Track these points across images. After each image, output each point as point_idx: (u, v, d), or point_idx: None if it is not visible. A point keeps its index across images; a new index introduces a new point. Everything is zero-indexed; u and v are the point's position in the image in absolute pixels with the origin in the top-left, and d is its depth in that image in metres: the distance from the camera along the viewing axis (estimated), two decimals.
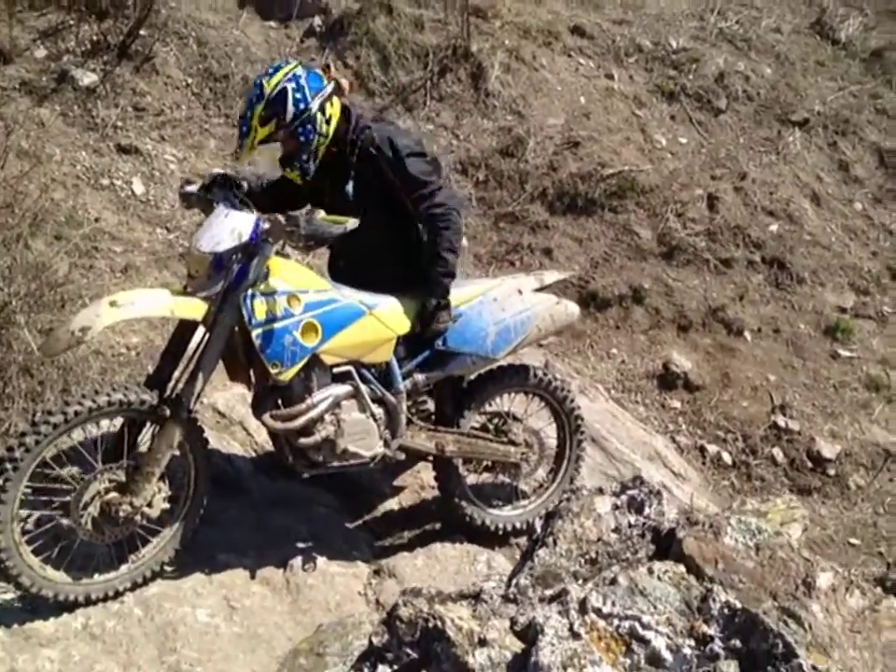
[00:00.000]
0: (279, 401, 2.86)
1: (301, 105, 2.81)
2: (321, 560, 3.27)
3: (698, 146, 6.44)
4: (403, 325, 3.07)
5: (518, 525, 3.48)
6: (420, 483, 3.86)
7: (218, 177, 2.98)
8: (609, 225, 5.69)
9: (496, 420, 3.48)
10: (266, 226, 2.62)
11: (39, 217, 4.25)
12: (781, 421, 5.03)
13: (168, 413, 2.66)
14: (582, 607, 1.20)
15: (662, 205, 5.80)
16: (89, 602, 2.71)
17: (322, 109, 2.88)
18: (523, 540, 3.60)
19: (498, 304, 3.26)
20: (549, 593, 1.38)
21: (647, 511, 1.68)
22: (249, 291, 2.68)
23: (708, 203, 5.89)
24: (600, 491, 1.68)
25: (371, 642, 1.38)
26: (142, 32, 5.80)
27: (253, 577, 3.08)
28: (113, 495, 2.66)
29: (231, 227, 2.65)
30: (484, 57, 6.21)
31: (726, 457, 4.90)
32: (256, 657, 2.74)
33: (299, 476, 3.65)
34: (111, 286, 4.32)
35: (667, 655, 1.17)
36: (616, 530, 1.56)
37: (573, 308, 3.58)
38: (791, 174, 6.41)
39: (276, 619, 2.91)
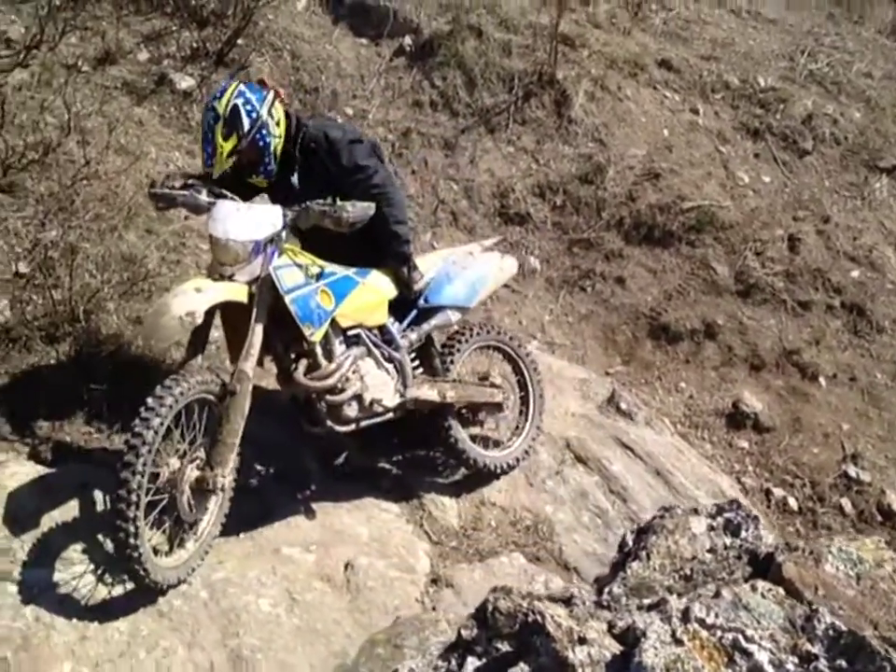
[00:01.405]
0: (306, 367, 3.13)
1: (254, 115, 3.15)
2: (381, 563, 3.30)
3: (781, 185, 6.36)
4: (391, 290, 3.51)
5: (511, 464, 3.87)
6: (481, 498, 3.88)
7: (186, 178, 3.28)
8: (685, 258, 5.64)
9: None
10: (293, 214, 3.02)
11: (133, 211, 4.40)
12: (852, 471, 4.89)
13: (238, 387, 2.83)
14: (685, 616, 1.19)
15: (741, 243, 5.73)
16: (180, 584, 2.79)
17: (270, 114, 3.22)
18: (584, 566, 3.58)
19: (459, 265, 3.78)
20: (646, 602, 1.38)
21: (743, 534, 1.67)
22: (273, 266, 2.99)
23: (789, 244, 5.79)
24: (695, 511, 1.68)
25: (459, 635, 1.39)
26: (239, 41, 6.00)
27: (315, 573, 3.12)
28: (202, 472, 2.79)
29: (260, 217, 2.98)
30: (569, 84, 6.25)
31: (792, 503, 4.78)
32: (314, 651, 2.77)
33: (364, 481, 3.73)
34: None
35: (770, 669, 1.16)
36: (711, 550, 1.55)
37: (514, 261, 4.18)
38: (875, 220, 6.28)
39: (335, 615, 2.95)
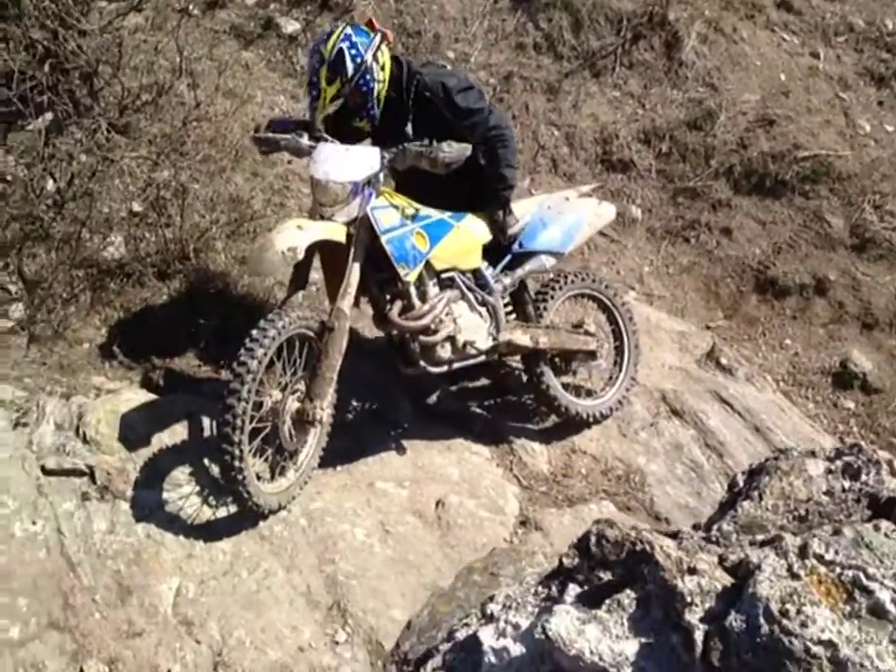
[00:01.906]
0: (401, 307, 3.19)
1: (358, 60, 3.13)
2: (471, 503, 3.35)
3: None
4: (485, 234, 3.51)
5: (604, 413, 3.86)
6: (572, 446, 3.87)
7: (289, 123, 3.34)
8: (797, 210, 5.38)
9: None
10: (390, 156, 3.04)
11: (240, 153, 4.51)
12: None
13: (336, 324, 2.91)
14: (802, 552, 1.16)
15: (858, 195, 5.41)
16: (280, 510, 2.93)
17: (375, 58, 3.19)
18: (676, 518, 3.54)
19: (555, 210, 3.75)
20: (760, 538, 1.35)
21: (864, 477, 1.61)
22: (370, 207, 3.04)
23: None
24: (812, 454, 1.62)
25: (560, 563, 1.40)
26: None
27: (407, 508, 3.20)
28: (302, 404, 2.90)
29: (358, 159, 3.02)
30: (681, 26, 5.98)
31: None
32: (406, 581, 2.86)
33: (456, 423, 3.78)
34: None
35: (892, 608, 1.11)
36: (828, 493, 1.50)
37: (611, 207, 4.06)
38: None
39: (426, 549, 3.03)
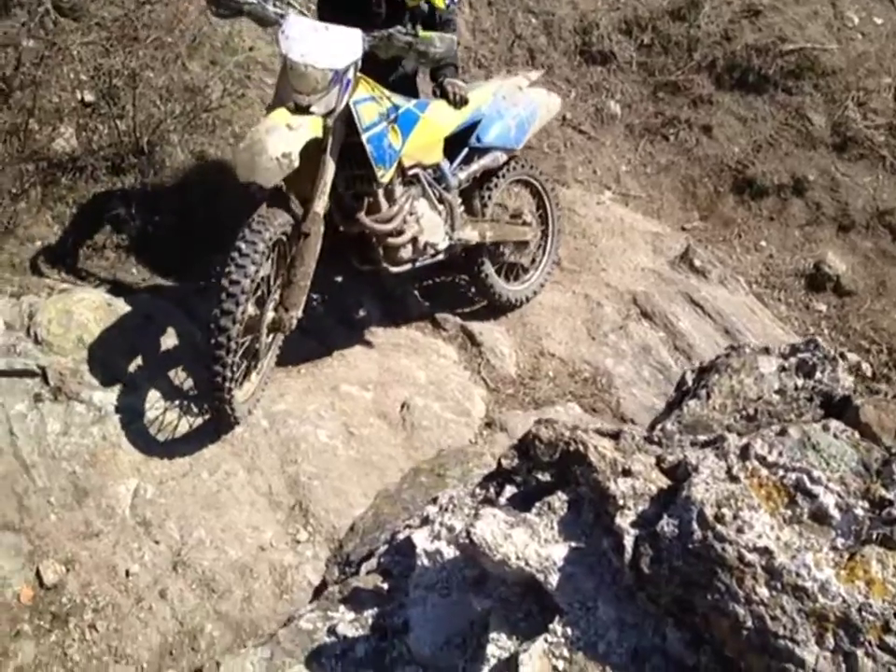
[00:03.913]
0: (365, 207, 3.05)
1: None
2: (437, 406, 3.33)
3: (895, 28, 5.73)
4: (448, 124, 3.40)
5: (528, 297, 3.92)
6: (540, 349, 3.85)
7: None
8: (779, 107, 5.20)
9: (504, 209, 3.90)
10: (372, 41, 2.77)
11: (197, 39, 4.26)
12: None
13: (311, 229, 2.77)
14: (744, 453, 1.12)
15: (842, 91, 5.23)
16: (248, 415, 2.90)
17: None
18: (642, 419, 3.55)
19: (509, 101, 3.67)
20: (702, 438, 1.31)
21: (818, 375, 1.56)
22: (352, 99, 2.80)
23: None
24: (766, 351, 1.56)
25: (499, 464, 1.37)
26: None
27: (372, 410, 3.17)
28: (276, 313, 2.80)
29: (339, 42, 2.72)
30: None
31: (866, 368, 4.58)
32: (368, 481, 2.86)
33: (423, 326, 3.73)
34: (260, 116, 4.33)
35: (835, 513, 1.08)
36: (780, 392, 1.45)
37: (558, 99, 4.09)
38: None
39: (390, 451, 3.02)
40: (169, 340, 3.06)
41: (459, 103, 3.42)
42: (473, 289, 3.87)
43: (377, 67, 3.02)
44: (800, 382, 1.53)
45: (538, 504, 1.22)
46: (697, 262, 4.43)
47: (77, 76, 3.89)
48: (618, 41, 5.31)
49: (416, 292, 3.86)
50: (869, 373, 4.83)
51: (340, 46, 2.72)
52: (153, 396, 2.87)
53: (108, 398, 2.80)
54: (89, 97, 3.85)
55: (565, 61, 5.21)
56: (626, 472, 1.16)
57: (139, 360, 2.96)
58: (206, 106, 3.96)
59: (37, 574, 2.41)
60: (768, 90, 5.24)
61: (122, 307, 3.09)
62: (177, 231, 3.53)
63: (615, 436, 1.28)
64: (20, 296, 3.04)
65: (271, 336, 2.90)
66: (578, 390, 3.66)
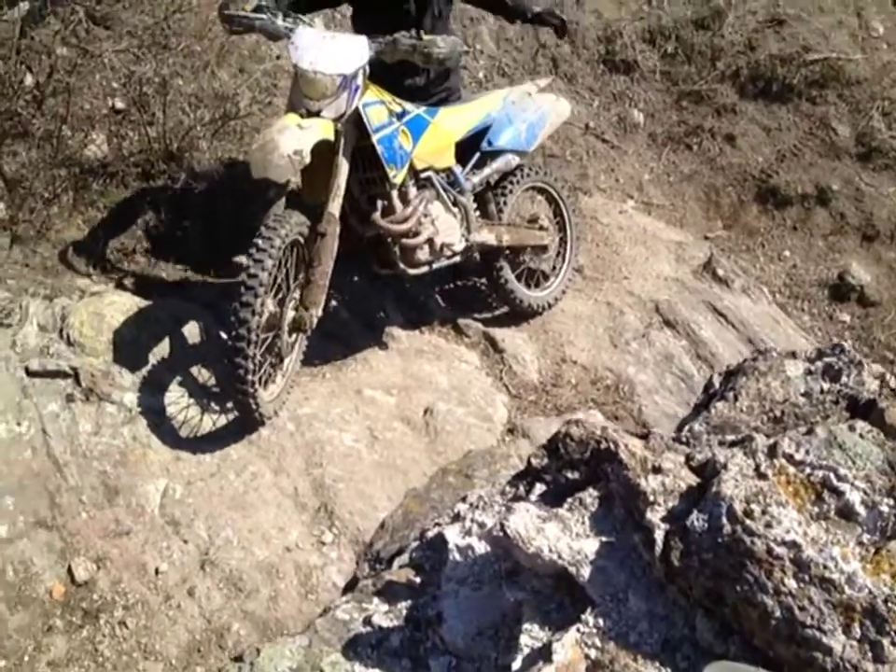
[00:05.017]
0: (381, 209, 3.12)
1: None
2: (459, 411, 3.35)
3: None
4: (458, 130, 3.46)
5: (549, 303, 3.94)
6: (562, 355, 3.85)
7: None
8: (803, 116, 5.21)
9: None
10: (378, 47, 2.89)
11: (226, 48, 4.32)
12: None
13: (327, 229, 2.83)
14: (772, 451, 1.14)
15: (867, 101, 5.23)
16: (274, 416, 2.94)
17: None
18: (664, 427, 3.55)
19: (519, 106, 3.71)
20: (730, 438, 1.33)
21: (844, 379, 1.57)
22: (361, 102, 2.90)
23: None
24: (793, 355, 1.58)
25: (529, 463, 1.39)
26: None
27: (395, 414, 3.20)
28: (297, 312, 2.86)
29: (346, 49, 2.84)
30: None
31: (890, 381, 4.57)
32: (392, 484, 2.88)
33: (445, 332, 3.76)
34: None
35: (861, 510, 1.10)
36: (806, 394, 1.47)
37: (567, 104, 4.09)
38: None
39: (414, 454, 3.04)
40: (197, 342, 3.11)
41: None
42: (494, 295, 3.90)
43: (391, 76, 3.11)
44: (826, 385, 1.54)
45: (569, 500, 1.24)
46: (720, 271, 4.43)
47: (109, 83, 3.96)
48: (641, 50, 5.34)
49: (438, 297, 3.89)
50: (893, 385, 4.81)
51: (347, 52, 2.84)
52: (182, 397, 2.92)
53: (138, 399, 2.85)
54: (120, 104, 3.92)
55: (588, 70, 5.24)
56: (656, 470, 1.18)
57: (168, 362, 3.01)
58: (234, 114, 4.01)
59: (69, 571, 2.46)
60: (792, 99, 5.24)
61: (152, 310, 3.14)
62: (205, 236, 3.59)
63: (644, 436, 1.30)
64: (52, 298, 3.09)
65: (293, 336, 2.94)
66: (600, 397, 3.67)
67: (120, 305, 3.09)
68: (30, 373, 2.80)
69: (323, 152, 2.82)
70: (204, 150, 3.86)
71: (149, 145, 3.74)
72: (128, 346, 2.98)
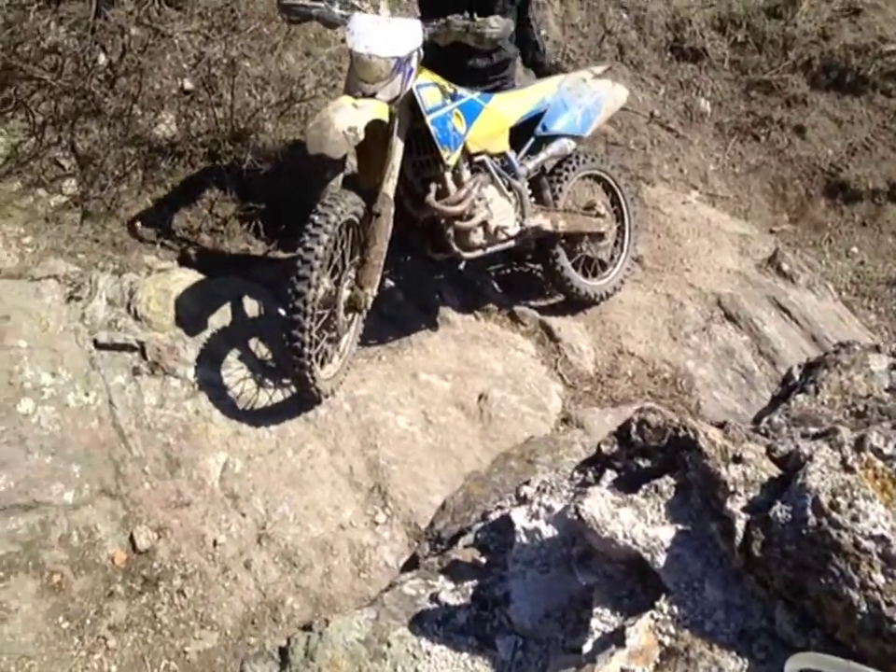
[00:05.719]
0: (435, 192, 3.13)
1: None
2: (514, 398, 3.35)
3: None
4: (512, 115, 3.45)
5: (608, 292, 3.90)
6: (619, 347, 3.81)
7: None
8: (877, 109, 5.04)
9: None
10: (432, 29, 2.93)
11: (293, 31, 4.36)
12: None
13: (382, 209, 2.87)
14: (859, 445, 1.11)
15: None
16: (331, 395, 2.99)
17: None
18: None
19: (574, 92, 3.70)
20: (812, 430, 1.30)
21: None
22: (415, 84, 2.94)
23: None
24: (876, 349, 1.54)
25: (599, 449, 1.38)
26: None
27: (450, 399, 3.21)
28: (352, 291, 2.89)
29: (400, 32, 2.89)
30: None
31: None
32: (445, 468, 2.90)
33: (504, 318, 3.74)
34: None
35: None
36: (890, 390, 1.43)
37: (624, 90, 4.06)
38: None
39: (467, 440, 3.05)
40: (259, 320, 3.16)
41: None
42: (550, 283, 3.88)
43: (453, 59, 3.18)
44: None
45: (644, 487, 1.23)
46: (785, 266, 4.33)
47: (179, 63, 4.03)
48: (710, 38, 5.23)
49: (495, 283, 3.88)
50: None
51: (401, 35, 2.89)
52: (243, 374, 2.97)
53: (201, 374, 2.91)
54: (189, 85, 3.98)
55: (655, 57, 5.16)
56: (737, 459, 1.16)
57: (231, 339, 3.06)
58: (300, 96, 4.05)
59: (131, 539, 2.53)
60: (866, 91, 5.08)
61: (217, 287, 3.20)
62: (269, 216, 3.63)
63: (721, 426, 1.28)
64: (121, 273, 3.17)
65: (349, 315, 2.97)
66: (657, 390, 3.62)
67: (186, 282, 3.15)
68: (98, 346, 2.88)
69: (378, 136, 2.87)
70: (270, 132, 3.90)
71: (216, 125, 3.80)
72: (192, 322, 3.05)
